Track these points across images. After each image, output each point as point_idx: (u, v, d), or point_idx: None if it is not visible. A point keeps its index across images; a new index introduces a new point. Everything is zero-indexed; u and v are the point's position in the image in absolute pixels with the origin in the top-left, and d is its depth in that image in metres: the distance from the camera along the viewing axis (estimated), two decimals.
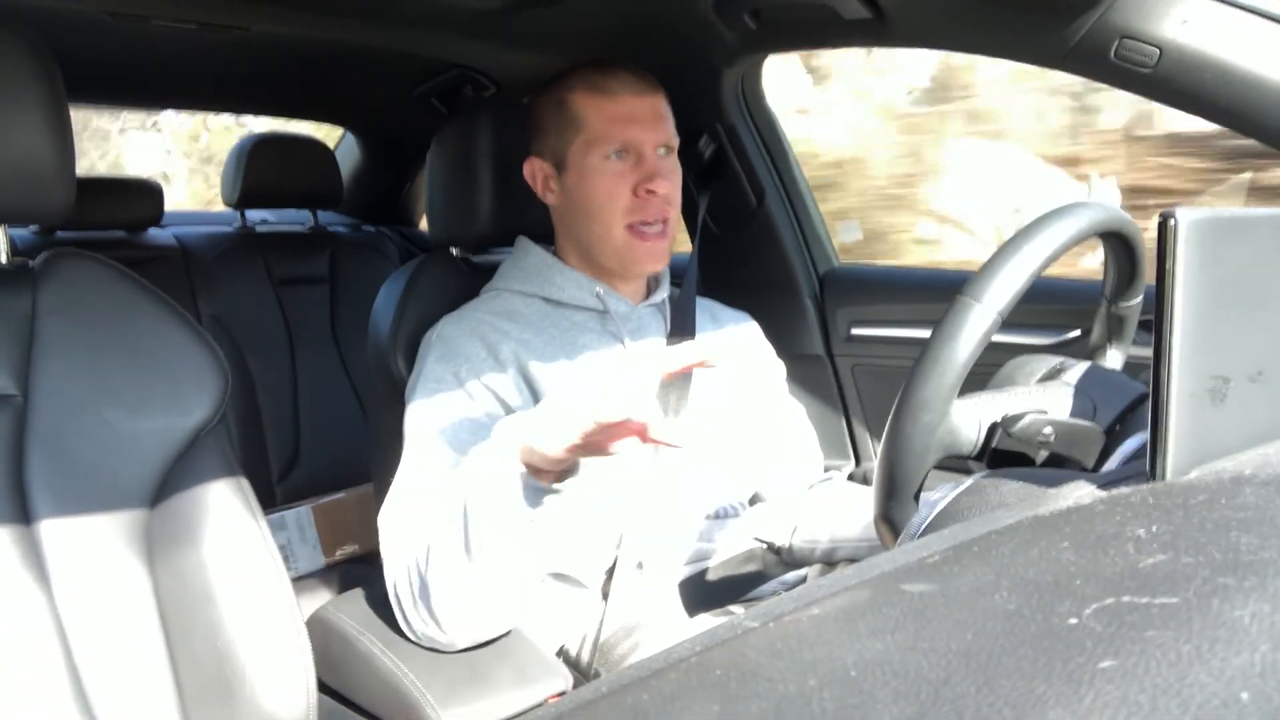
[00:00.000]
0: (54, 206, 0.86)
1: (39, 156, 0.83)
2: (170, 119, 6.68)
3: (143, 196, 1.98)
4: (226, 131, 6.09)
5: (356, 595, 1.03)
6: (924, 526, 0.61)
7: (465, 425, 0.98)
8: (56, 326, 0.86)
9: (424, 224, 2.28)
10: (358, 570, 1.79)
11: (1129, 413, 0.73)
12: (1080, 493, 0.50)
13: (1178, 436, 0.47)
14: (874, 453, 1.60)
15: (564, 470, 0.84)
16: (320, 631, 0.98)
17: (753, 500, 1.21)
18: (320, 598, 1.63)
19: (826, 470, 1.29)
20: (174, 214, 2.16)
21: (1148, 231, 0.59)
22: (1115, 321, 0.86)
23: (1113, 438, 0.71)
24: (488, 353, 1.03)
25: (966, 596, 0.36)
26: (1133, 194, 3.30)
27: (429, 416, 0.99)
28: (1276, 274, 0.53)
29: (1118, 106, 3.46)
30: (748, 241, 1.64)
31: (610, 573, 1.04)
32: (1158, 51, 0.96)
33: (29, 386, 0.84)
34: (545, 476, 0.84)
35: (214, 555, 0.83)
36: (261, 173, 2.02)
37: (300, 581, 1.71)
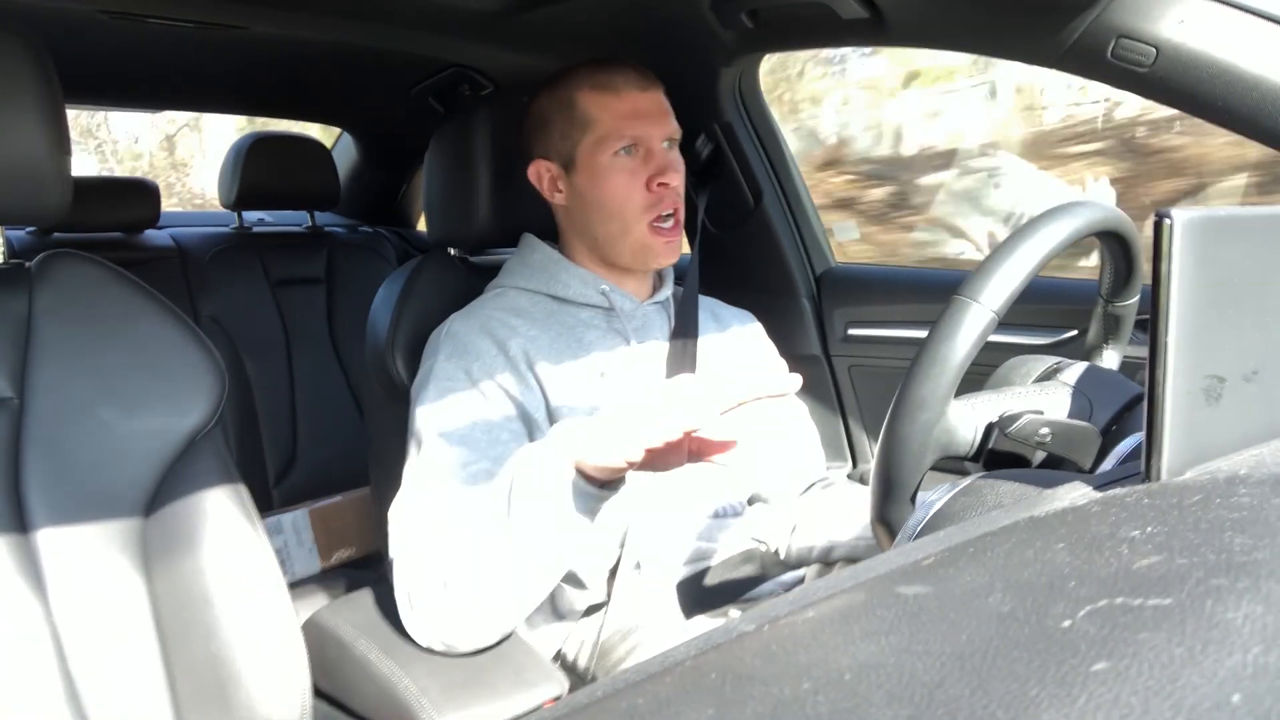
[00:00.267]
0: (50, 207, 0.86)
1: (35, 157, 0.83)
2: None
3: (139, 197, 1.98)
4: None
5: (353, 599, 1.02)
6: (920, 528, 0.61)
7: (479, 423, 0.98)
8: (53, 328, 0.86)
9: (422, 224, 2.28)
10: (354, 574, 1.79)
11: (1125, 413, 0.73)
12: (1076, 494, 0.50)
13: (1173, 437, 0.47)
14: (871, 453, 1.60)
15: (615, 479, 0.86)
16: (316, 636, 0.97)
17: (753, 500, 1.21)
18: (317, 602, 1.62)
19: (825, 471, 1.29)
20: (171, 214, 2.16)
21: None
22: (1112, 321, 0.87)
23: (1109, 438, 0.71)
24: (498, 350, 1.03)
25: (961, 599, 0.36)
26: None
27: (441, 414, 0.99)
28: (1272, 273, 0.53)
29: None
30: (745, 241, 1.64)
31: (612, 573, 1.04)
32: (1154, 51, 0.96)
33: (25, 388, 0.84)
34: (594, 483, 0.86)
35: (210, 559, 0.83)
36: (258, 173, 2.02)
37: (296, 586, 1.71)
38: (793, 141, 1.59)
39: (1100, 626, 0.30)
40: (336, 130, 2.46)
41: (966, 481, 0.63)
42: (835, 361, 1.62)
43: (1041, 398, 0.74)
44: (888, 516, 0.67)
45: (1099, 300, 0.86)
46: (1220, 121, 0.97)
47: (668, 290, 1.17)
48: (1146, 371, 0.48)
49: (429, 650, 0.92)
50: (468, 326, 1.06)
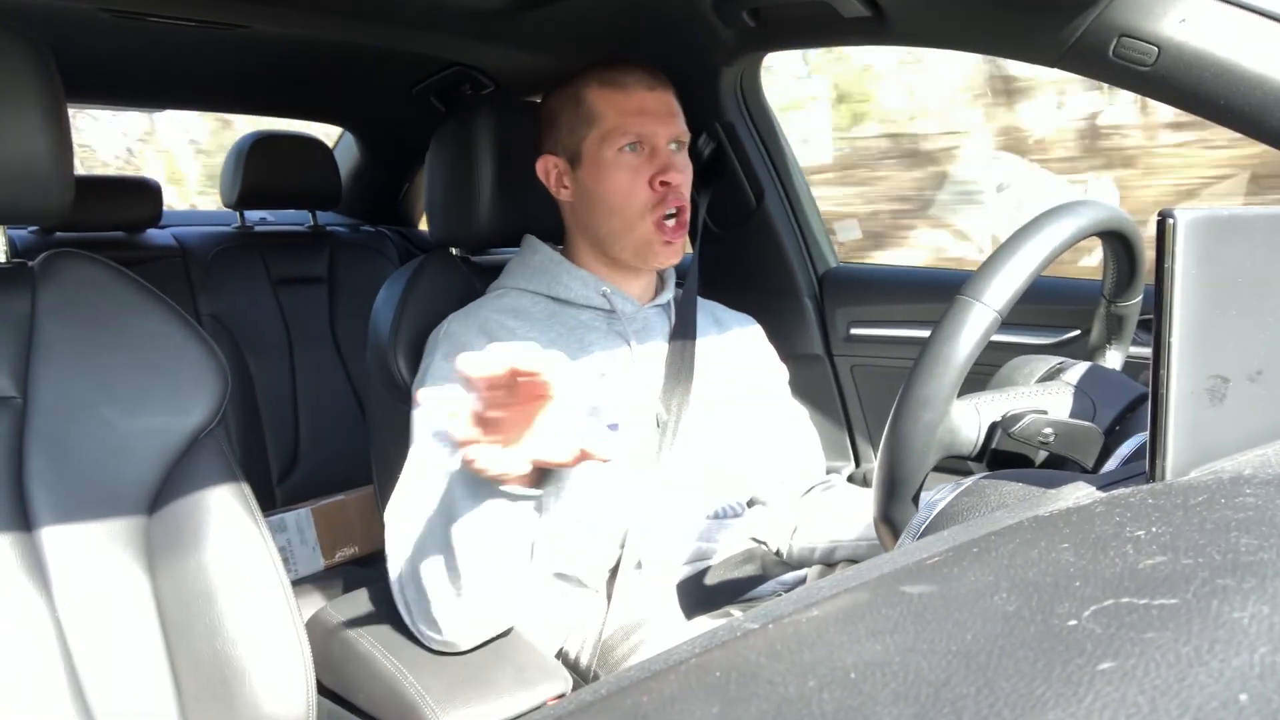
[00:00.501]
0: (52, 207, 0.86)
1: (37, 157, 0.83)
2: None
3: (142, 196, 1.98)
4: None
5: (356, 597, 1.03)
6: (924, 527, 0.61)
7: None
8: (56, 327, 0.86)
9: (424, 224, 2.28)
10: (357, 572, 1.80)
11: (1129, 413, 0.73)
12: (1080, 493, 0.50)
13: (1177, 437, 0.47)
14: (874, 453, 1.60)
15: (535, 477, 0.81)
16: (320, 633, 0.98)
17: (751, 502, 1.21)
18: (320, 600, 1.63)
19: (826, 471, 1.29)
20: (173, 214, 2.16)
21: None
22: (1115, 321, 0.86)
23: (1112, 438, 0.71)
24: None
25: (966, 598, 0.36)
26: None
27: (437, 415, 0.99)
28: (1275, 273, 0.53)
29: None
30: (746, 241, 1.64)
31: (613, 573, 1.04)
32: (1156, 50, 0.96)
33: (28, 388, 0.84)
34: (509, 482, 0.80)
35: (214, 557, 0.83)
36: (260, 173, 2.02)
37: (300, 584, 1.71)
38: None
39: (1106, 626, 0.30)
40: (338, 130, 2.46)
41: (970, 481, 0.63)
42: (838, 361, 1.62)
43: (1045, 398, 0.74)
44: (891, 516, 0.67)
45: (1102, 300, 0.86)
46: (1222, 120, 0.97)
47: (669, 294, 1.17)
48: (1150, 371, 0.48)
49: (431, 648, 0.92)
50: (465, 326, 1.06)
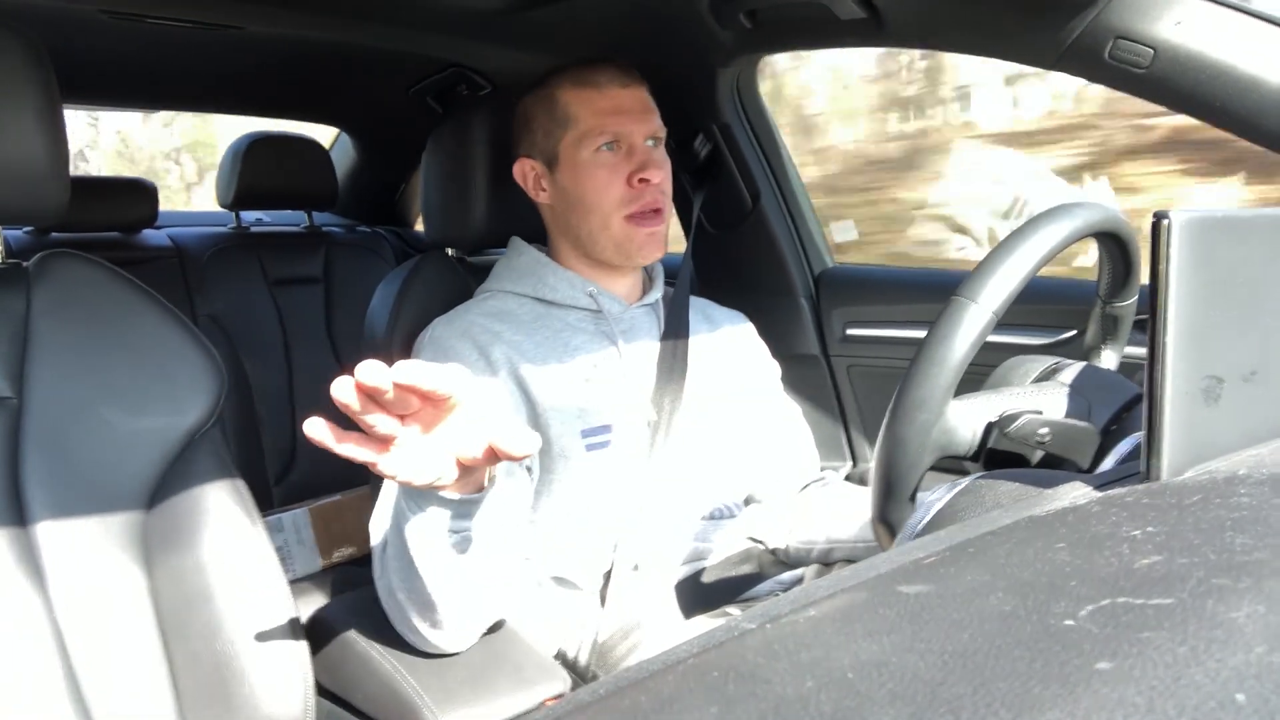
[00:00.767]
0: (48, 207, 0.86)
1: (33, 157, 0.83)
2: None
3: (137, 197, 1.97)
4: None
5: (354, 597, 1.02)
6: (920, 527, 0.62)
7: None
8: (51, 328, 0.86)
9: (420, 224, 2.28)
10: (355, 572, 1.79)
11: (1124, 413, 0.73)
12: (1075, 493, 0.50)
13: (1172, 437, 0.47)
14: (870, 453, 1.61)
15: (468, 481, 0.75)
16: (317, 634, 0.97)
17: (747, 501, 1.21)
18: (317, 600, 1.62)
19: (823, 471, 1.29)
20: (169, 214, 2.15)
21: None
22: (1110, 321, 0.87)
23: (1108, 438, 0.71)
24: (479, 355, 1.03)
25: (963, 598, 0.36)
26: None
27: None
28: (1270, 274, 0.53)
29: None
30: (743, 241, 1.64)
31: (608, 575, 1.04)
32: (1152, 52, 0.96)
33: (24, 388, 0.83)
34: (441, 488, 0.73)
35: (211, 557, 0.83)
36: (256, 173, 2.02)
37: (297, 584, 1.71)
38: None
39: (1103, 626, 0.30)
40: (334, 130, 2.46)
41: (966, 481, 0.63)
42: (834, 361, 1.62)
43: (1040, 398, 0.74)
44: (888, 516, 0.68)
45: (1097, 300, 0.86)
46: (1218, 122, 0.98)
47: (657, 293, 1.17)
48: (1145, 372, 0.48)
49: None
50: (449, 331, 1.05)
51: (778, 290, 1.63)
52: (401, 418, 0.63)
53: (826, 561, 1.14)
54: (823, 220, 1.70)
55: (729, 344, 1.21)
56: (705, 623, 1.03)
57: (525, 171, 1.12)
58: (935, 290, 1.52)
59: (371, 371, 0.58)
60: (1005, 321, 0.66)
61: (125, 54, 1.70)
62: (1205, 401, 0.49)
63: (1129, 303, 0.85)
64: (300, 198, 2.13)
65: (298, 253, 2.09)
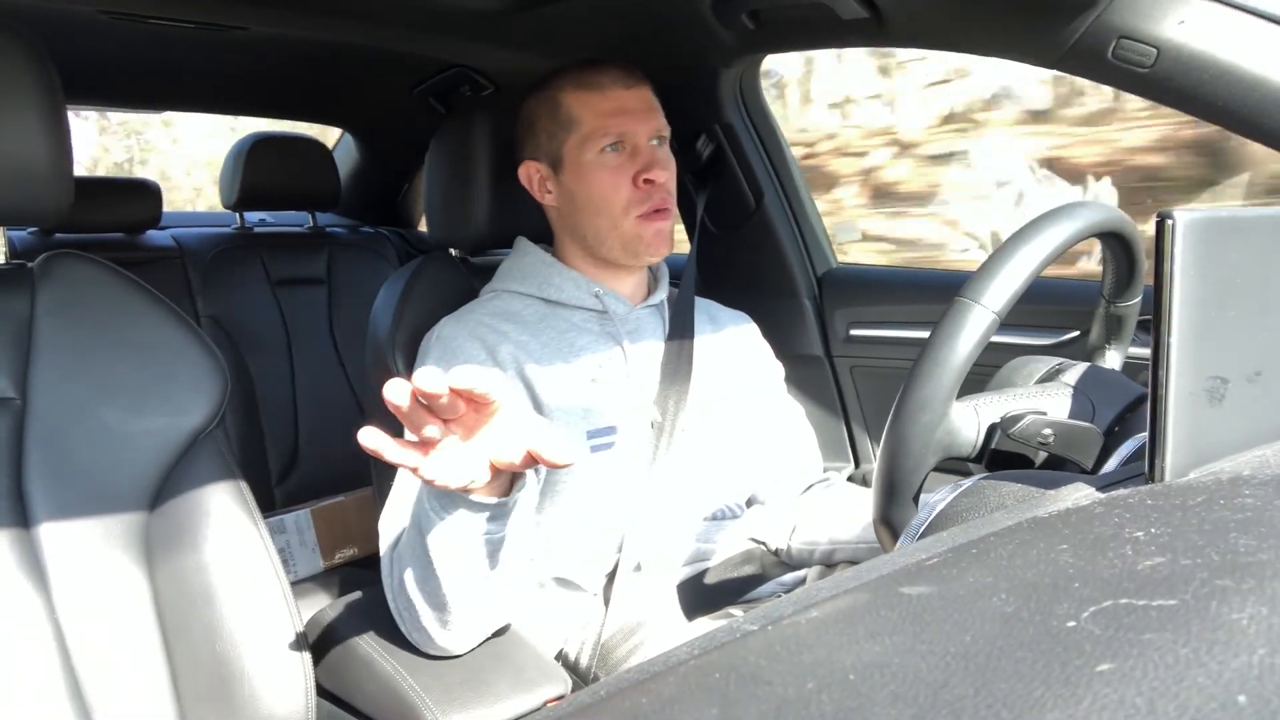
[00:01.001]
0: (51, 208, 0.86)
1: (36, 158, 0.83)
2: None
3: (141, 197, 1.98)
4: None
5: (355, 599, 1.02)
6: (923, 528, 0.61)
7: None
8: (55, 328, 0.86)
9: (423, 225, 2.28)
10: (357, 574, 1.79)
11: (1128, 414, 0.73)
12: (1079, 494, 0.50)
13: (1176, 437, 0.47)
14: (873, 454, 1.60)
15: (504, 485, 0.77)
16: (319, 635, 0.97)
17: (749, 502, 1.21)
18: (319, 601, 1.62)
19: (825, 472, 1.29)
20: (172, 215, 2.16)
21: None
22: (1114, 321, 0.87)
23: (1112, 439, 0.71)
24: (487, 354, 1.03)
25: (965, 599, 0.36)
26: None
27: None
28: (1274, 274, 0.53)
29: None
30: (746, 242, 1.64)
31: (610, 576, 1.04)
32: (1155, 51, 0.96)
33: (28, 389, 0.84)
34: (472, 492, 0.75)
35: (213, 558, 0.83)
36: (259, 174, 2.02)
37: (299, 585, 1.71)
38: None
39: (1105, 627, 0.30)
40: (338, 130, 2.46)
41: (969, 482, 0.63)
42: (837, 362, 1.62)
43: (1044, 399, 0.74)
44: (890, 517, 0.67)
45: (1101, 301, 0.86)
46: (1221, 122, 0.97)
47: (662, 293, 1.17)
48: (1149, 372, 0.48)
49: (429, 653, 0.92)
50: (457, 330, 1.06)
51: (781, 291, 1.63)
52: (445, 422, 0.65)
53: (829, 563, 1.14)
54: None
55: (733, 345, 1.21)
56: (707, 624, 1.03)
57: (530, 174, 1.13)
58: (939, 291, 1.52)
59: (429, 377, 0.59)
60: (1009, 322, 0.66)
61: (127, 55, 1.71)
62: (1209, 402, 0.49)
63: (1133, 303, 0.85)
64: (303, 198, 2.14)
65: (301, 253, 2.10)
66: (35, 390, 0.84)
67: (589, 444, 1.03)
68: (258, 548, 0.85)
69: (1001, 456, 0.70)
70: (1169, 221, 0.47)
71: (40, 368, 0.84)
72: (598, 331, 1.10)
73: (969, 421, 0.69)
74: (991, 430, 0.70)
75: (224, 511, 0.85)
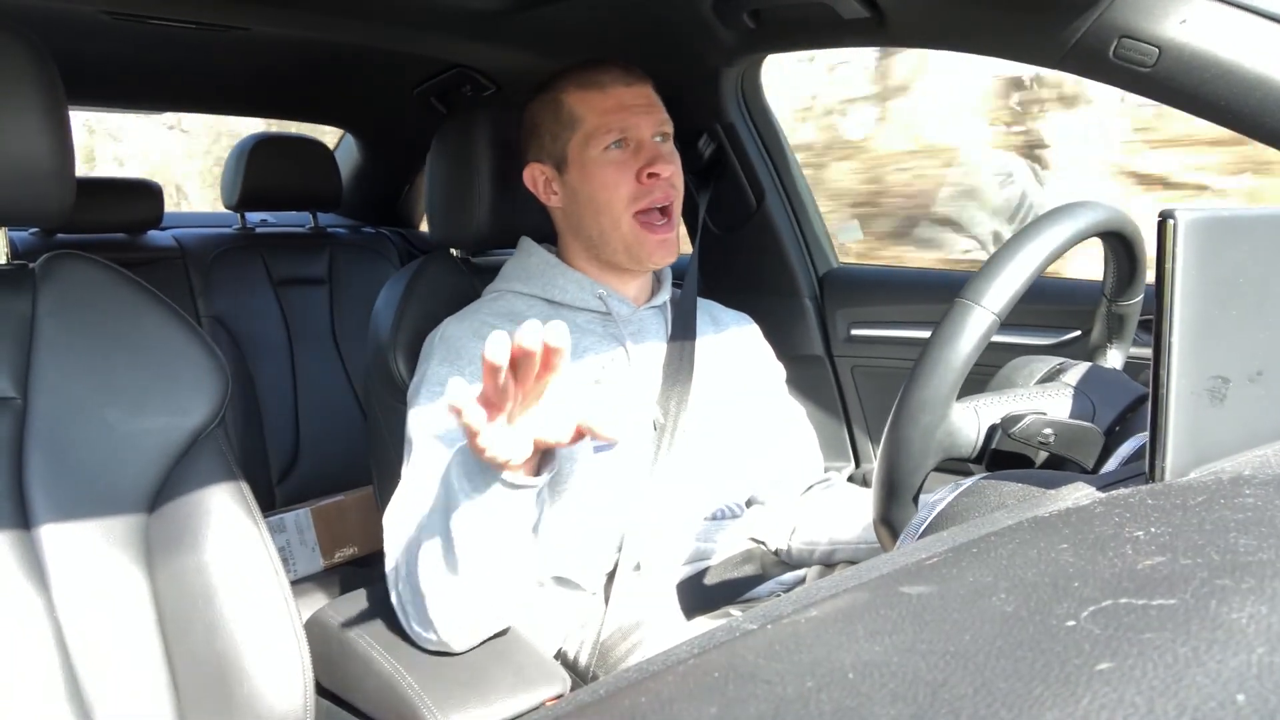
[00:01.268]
0: (53, 208, 0.86)
1: (38, 158, 0.83)
2: None
3: (142, 198, 1.98)
4: None
5: (355, 598, 1.02)
6: (923, 528, 0.61)
7: None
8: (56, 328, 0.86)
9: (424, 225, 2.28)
10: (356, 573, 1.80)
11: (1129, 413, 0.73)
12: (1079, 494, 0.50)
13: (1177, 437, 0.47)
14: (874, 454, 1.60)
15: (534, 466, 0.81)
16: (319, 634, 0.98)
17: (749, 502, 1.21)
18: (319, 600, 1.63)
19: (826, 472, 1.29)
20: (174, 215, 2.16)
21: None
22: (1115, 321, 0.86)
23: (1112, 438, 0.71)
24: None
25: (965, 598, 0.35)
26: None
27: (433, 419, 0.99)
28: (1276, 273, 0.53)
29: None
30: (747, 242, 1.64)
31: (610, 575, 1.04)
32: (1157, 51, 0.96)
33: (29, 389, 0.84)
34: (508, 469, 0.79)
35: (213, 558, 0.83)
36: (261, 174, 2.02)
37: (299, 584, 1.71)
38: None
39: (1105, 626, 0.30)
40: (339, 131, 2.46)
41: (969, 482, 0.63)
42: (838, 362, 1.62)
43: (1044, 398, 0.74)
44: (891, 517, 0.67)
45: (1102, 300, 0.86)
46: (1223, 121, 0.97)
47: (665, 294, 1.17)
48: (1150, 372, 0.48)
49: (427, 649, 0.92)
50: (461, 330, 1.06)
51: (782, 290, 1.63)
52: (517, 385, 0.70)
53: (829, 562, 1.14)
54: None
55: (735, 346, 1.21)
56: (706, 623, 1.03)
57: (535, 176, 1.13)
58: (939, 291, 1.52)
59: (529, 332, 0.66)
60: (1010, 322, 0.66)
61: (129, 55, 1.71)
62: (1210, 402, 0.49)
63: (1134, 302, 0.85)
64: (305, 199, 2.14)
65: (302, 254, 2.10)
66: (36, 390, 0.84)
67: (591, 444, 1.03)
68: (258, 547, 0.85)
69: (1002, 456, 0.70)
70: (1170, 221, 0.47)
71: (41, 367, 0.84)
72: (601, 333, 1.10)
73: (969, 422, 0.69)
74: (992, 430, 0.70)
75: (224, 511, 0.85)
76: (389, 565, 0.93)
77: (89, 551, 0.81)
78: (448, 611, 0.87)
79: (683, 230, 1.28)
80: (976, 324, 0.64)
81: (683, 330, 1.14)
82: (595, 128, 1.06)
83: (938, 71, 3.70)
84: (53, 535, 0.81)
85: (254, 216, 2.22)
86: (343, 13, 1.41)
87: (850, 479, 1.56)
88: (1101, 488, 0.50)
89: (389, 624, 0.95)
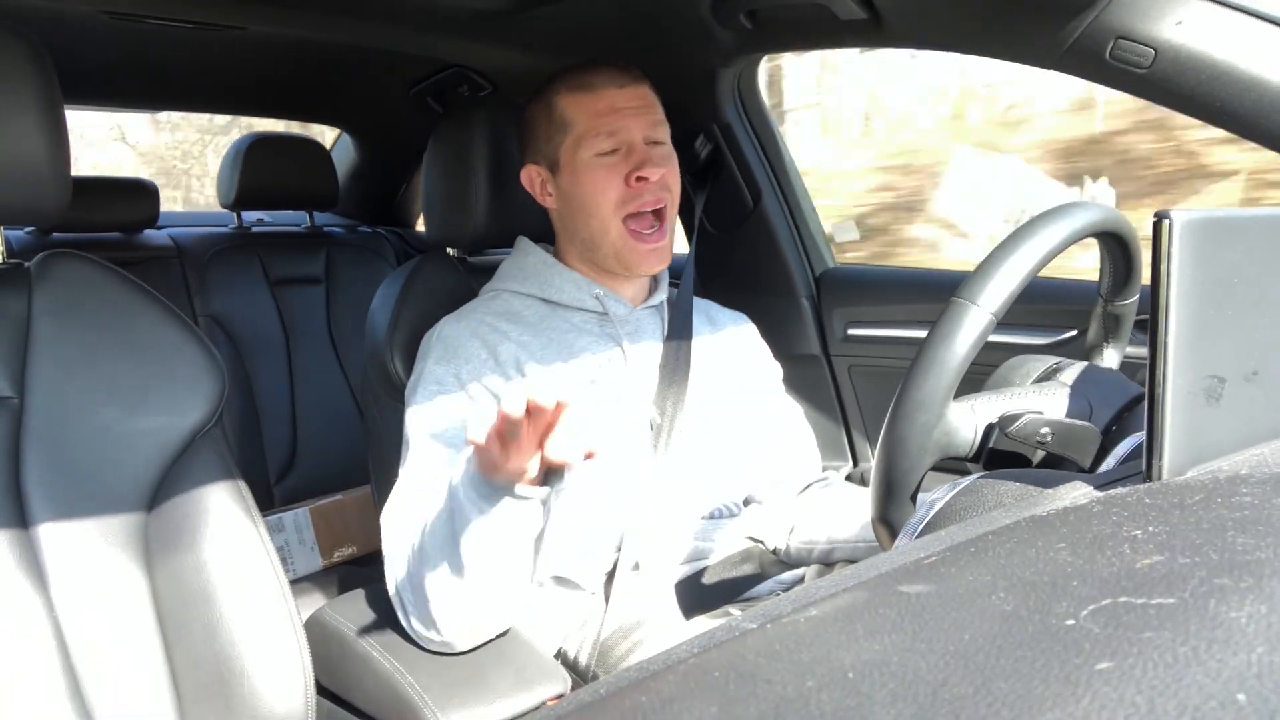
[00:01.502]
0: (49, 207, 0.86)
1: (34, 157, 0.83)
2: None
3: (139, 197, 1.98)
4: None
5: (354, 597, 1.02)
6: (921, 527, 0.62)
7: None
8: (52, 328, 0.86)
9: (421, 225, 2.28)
10: (355, 572, 1.79)
11: (1126, 413, 0.73)
12: (1077, 493, 0.50)
13: (1174, 436, 0.47)
14: (871, 453, 1.61)
15: (540, 477, 0.83)
16: (318, 633, 0.97)
17: (747, 501, 1.21)
18: (318, 600, 1.62)
19: (824, 471, 1.29)
20: (170, 214, 2.16)
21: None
22: (1111, 321, 0.87)
23: (1109, 438, 0.71)
24: (488, 353, 1.03)
25: (964, 597, 0.36)
26: None
27: (430, 418, 0.99)
28: (1271, 274, 0.53)
29: None
30: (744, 242, 1.64)
31: (609, 575, 1.04)
32: (1153, 52, 0.96)
33: (25, 388, 0.84)
34: (507, 478, 0.81)
35: (212, 557, 0.83)
36: (257, 173, 2.02)
37: (298, 584, 1.71)
38: None
39: (1104, 625, 0.30)
40: (335, 130, 2.46)
41: (967, 481, 0.63)
42: (835, 361, 1.62)
43: (1041, 398, 0.74)
44: (889, 516, 0.68)
45: (1099, 300, 0.86)
46: (1219, 122, 0.97)
47: (662, 294, 1.17)
48: (1147, 371, 0.48)
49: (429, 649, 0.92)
50: (458, 330, 1.06)
51: (779, 290, 1.63)
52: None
53: (827, 562, 1.14)
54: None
55: (731, 345, 1.21)
56: (706, 622, 1.03)
57: (531, 177, 1.13)
58: (936, 290, 1.52)
59: (545, 391, 0.72)
60: (1006, 321, 0.66)
61: (126, 54, 1.71)
62: (1207, 401, 0.49)
63: (1130, 302, 0.85)
64: (301, 198, 2.14)
65: (299, 253, 2.10)
66: (33, 389, 0.84)
67: None
68: (256, 546, 0.85)
69: (999, 456, 0.70)
70: (1166, 221, 0.47)
71: (38, 367, 0.84)
72: (597, 333, 1.10)
73: (966, 421, 0.69)
74: (989, 429, 0.70)
75: (223, 510, 0.85)
76: (388, 564, 0.93)
77: (87, 551, 0.81)
78: (452, 612, 0.87)
79: (680, 230, 1.28)
80: (973, 323, 0.64)
81: (679, 330, 1.14)
82: (586, 130, 1.06)
83: None
84: (51, 534, 0.80)
85: (250, 216, 2.21)
86: (339, 12, 1.41)
87: (848, 478, 1.56)
88: (1099, 487, 0.50)
89: (389, 623, 0.95)
